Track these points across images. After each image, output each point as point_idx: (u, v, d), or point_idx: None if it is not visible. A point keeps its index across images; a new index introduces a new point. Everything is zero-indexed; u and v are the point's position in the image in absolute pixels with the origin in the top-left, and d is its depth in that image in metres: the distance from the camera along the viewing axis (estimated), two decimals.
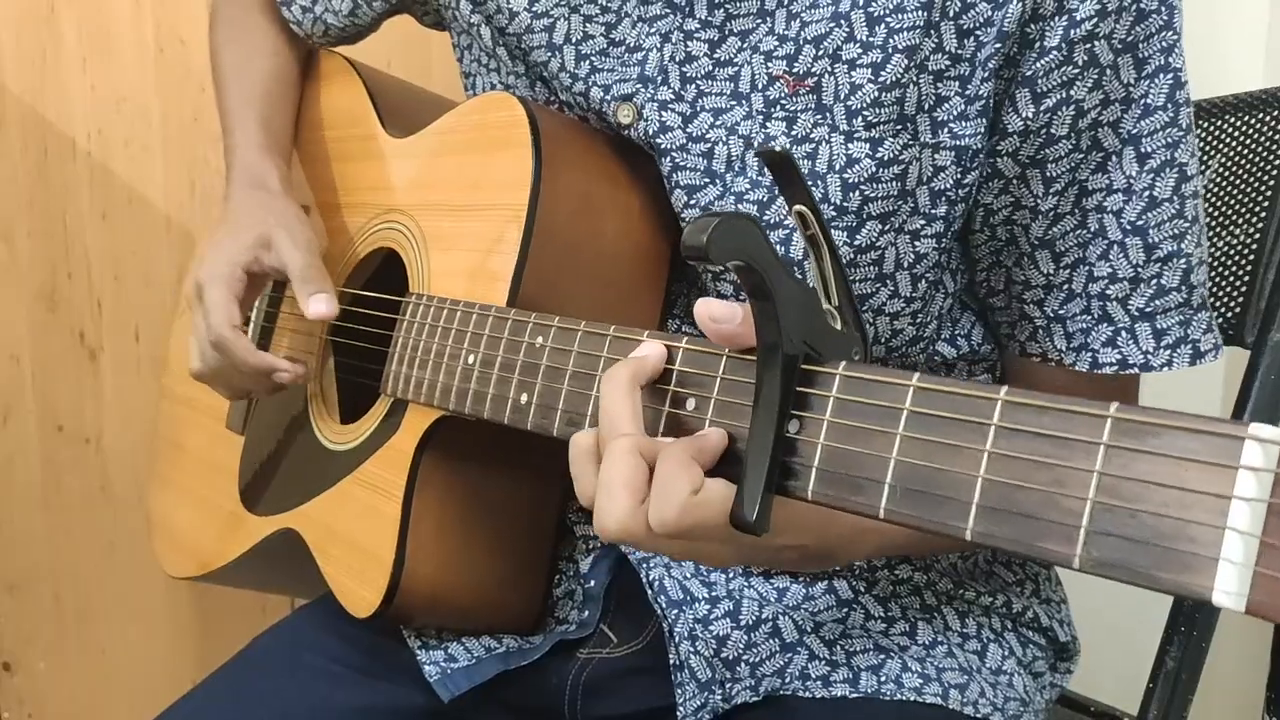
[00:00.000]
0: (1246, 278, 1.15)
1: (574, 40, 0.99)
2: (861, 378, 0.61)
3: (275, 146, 1.19)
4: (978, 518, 0.54)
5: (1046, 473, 0.51)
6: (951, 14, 0.86)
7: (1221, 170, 1.20)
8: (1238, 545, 0.45)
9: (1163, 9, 0.86)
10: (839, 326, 0.65)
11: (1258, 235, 1.16)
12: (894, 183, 0.88)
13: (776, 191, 0.85)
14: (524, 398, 0.82)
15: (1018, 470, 0.53)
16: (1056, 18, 0.84)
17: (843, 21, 0.88)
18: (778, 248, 0.90)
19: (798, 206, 0.64)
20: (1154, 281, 0.91)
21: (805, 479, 0.62)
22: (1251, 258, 1.15)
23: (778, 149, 0.63)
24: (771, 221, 0.90)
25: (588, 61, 0.99)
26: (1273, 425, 0.44)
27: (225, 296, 1.07)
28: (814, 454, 0.62)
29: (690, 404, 0.69)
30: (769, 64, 0.90)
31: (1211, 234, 1.18)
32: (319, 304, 1.05)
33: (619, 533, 0.68)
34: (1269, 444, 0.45)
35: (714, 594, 0.95)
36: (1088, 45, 0.85)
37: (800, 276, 0.88)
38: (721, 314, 0.67)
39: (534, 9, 1.01)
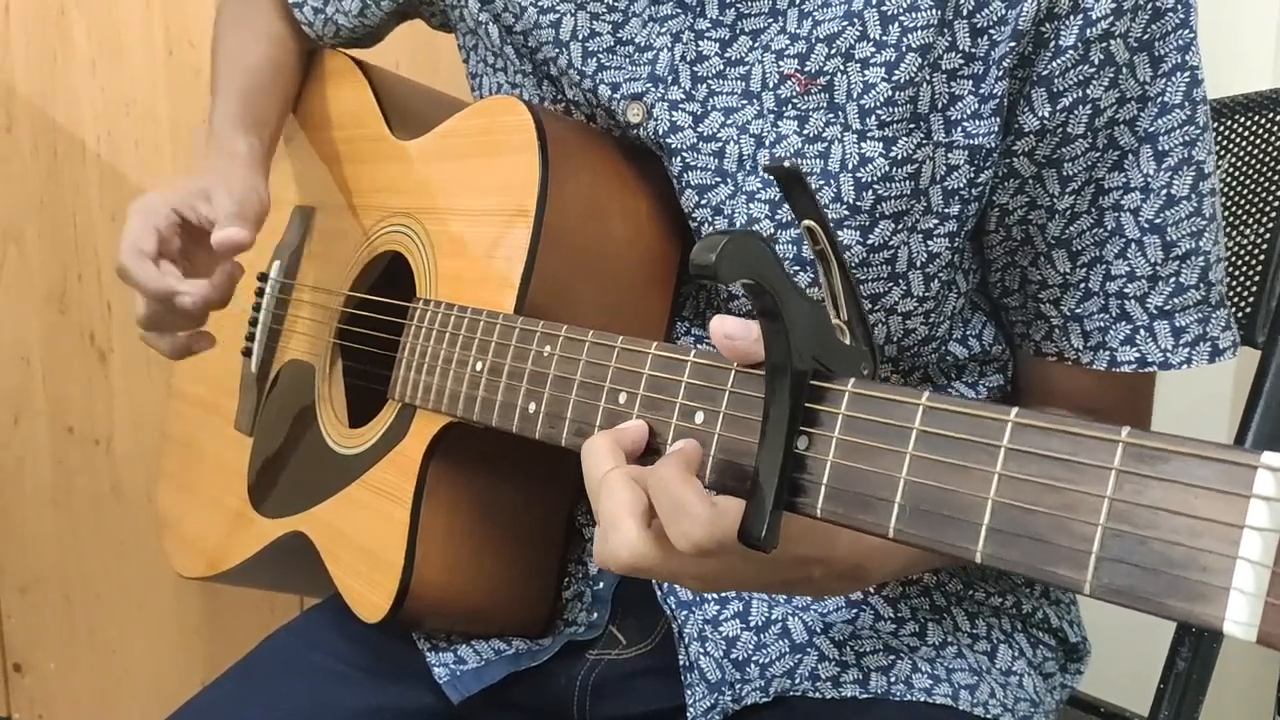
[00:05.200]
0: (1257, 278, 1.15)
1: (580, 37, 0.99)
2: (871, 395, 0.60)
3: (252, 123, 1.18)
4: (987, 540, 0.53)
5: (1057, 496, 0.51)
6: (965, 12, 0.85)
7: (1232, 170, 1.20)
8: (1249, 575, 0.45)
9: (1179, 7, 0.85)
10: (848, 341, 0.64)
11: (1268, 235, 1.15)
12: (907, 182, 0.88)
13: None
14: (532, 406, 0.82)
15: (1028, 493, 0.52)
16: (1072, 16, 0.84)
17: (856, 20, 0.87)
18: (791, 248, 0.90)
19: (807, 221, 0.64)
20: (1172, 279, 0.91)
21: (814, 496, 0.62)
22: (1262, 258, 1.15)
23: (787, 164, 0.63)
24: (783, 221, 0.90)
25: (595, 59, 0.98)
26: None
27: (142, 225, 1.04)
28: (823, 471, 0.61)
29: (698, 417, 0.69)
30: (780, 63, 0.90)
31: (1223, 234, 1.18)
32: (228, 231, 1.02)
33: (633, 560, 0.67)
34: None
35: (723, 595, 0.95)
36: (1103, 44, 0.84)
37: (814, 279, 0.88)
38: (736, 331, 0.66)
39: (540, 4, 1.01)
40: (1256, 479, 0.45)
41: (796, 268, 0.90)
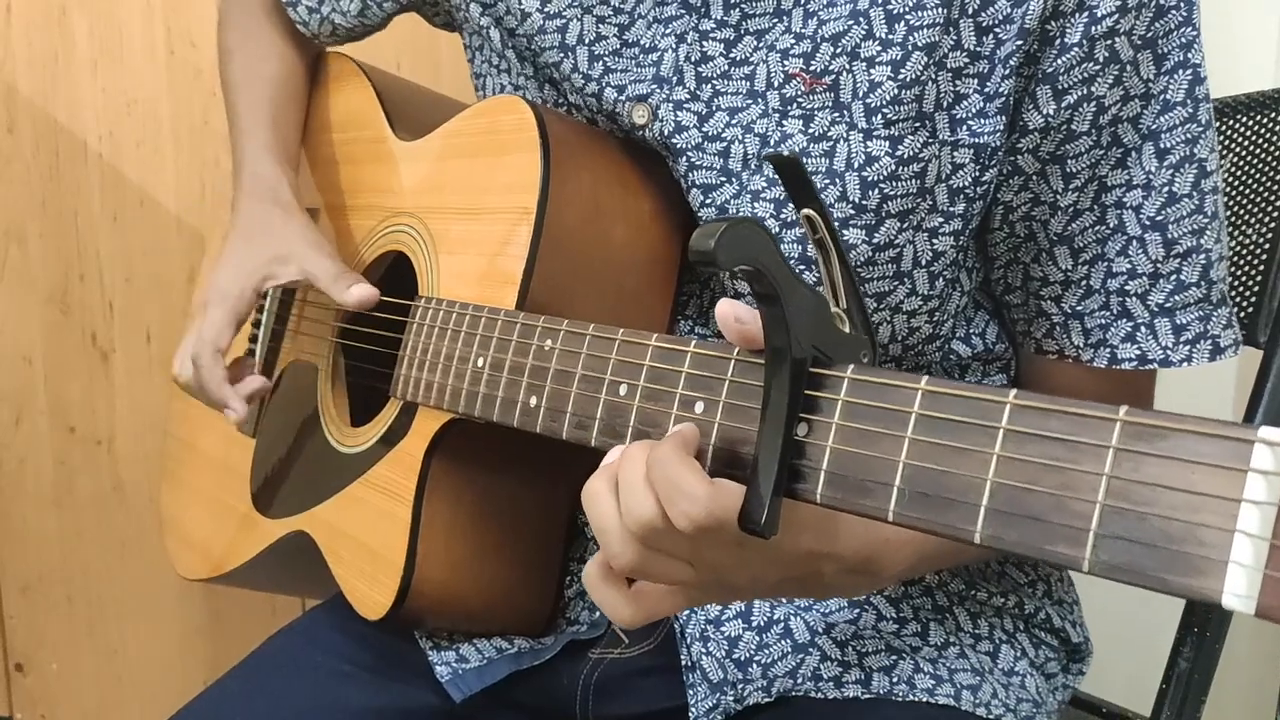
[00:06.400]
0: (1259, 277, 1.15)
1: (587, 41, 0.99)
2: (870, 381, 0.60)
3: (284, 153, 1.19)
4: (986, 521, 0.53)
5: (1055, 476, 0.51)
6: (971, 11, 0.86)
7: (1234, 170, 1.20)
8: (1247, 548, 0.45)
9: (1182, 5, 0.86)
10: (847, 329, 0.64)
11: (1270, 235, 1.15)
12: (913, 180, 0.88)
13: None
14: (533, 401, 0.82)
15: (1027, 473, 0.52)
16: (1077, 14, 0.84)
17: (861, 19, 0.88)
18: (796, 247, 0.90)
19: (806, 210, 0.64)
20: (1173, 277, 0.91)
21: (814, 482, 0.62)
22: (1264, 257, 1.15)
23: (786, 153, 0.63)
24: (789, 220, 0.90)
25: (601, 62, 0.99)
26: None
27: (225, 319, 1.09)
28: (823, 457, 0.61)
29: (698, 407, 0.69)
30: (785, 62, 0.90)
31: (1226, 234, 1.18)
32: (359, 291, 1.06)
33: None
34: (1279, 447, 0.45)
35: None
36: (1108, 42, 0.84)
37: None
38: (746, 315, 0.66)
39: (546, 9, 1.01)
40: (1254, 453, 0.45)
41: (801, 266, 0.90)
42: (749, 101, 0.92)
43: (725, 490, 0.64)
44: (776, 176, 0.90)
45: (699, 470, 0.65)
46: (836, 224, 0.89)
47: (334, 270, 1.08)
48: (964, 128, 0.88)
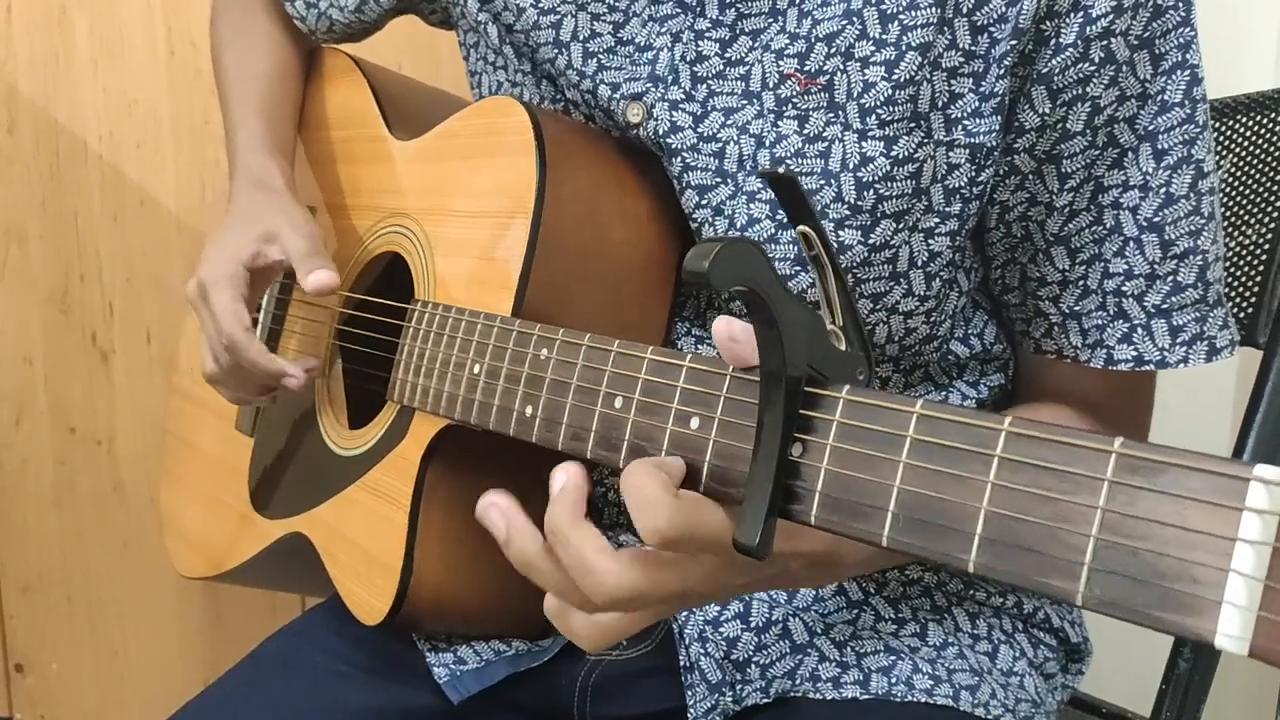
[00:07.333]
0: (1259, 278, 1.15)
1: (581, 38, 0.99)
2: (865, 403, 0.60)
3: (278, 146, 1.18)
4: (980, 549, 0.53)
5: (1049, 507, 0.50)
6: (965, 10, 0.85)
7: (1234, 170, 1.20)
8: (1241, 588, 0.44)
9: (1179, 5, 0.85)
10: (843, 347, 0.64)
11: (1270, 235, 1.15)
12: (908, 181, 0.88)
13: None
14: (529, 410, 0.82)
15: (1021, 503, 0.52)
16: (1072, 14, 0.84)
17: (855, 19, 0.87)
18: (792, 248, 0.90)
19: (802, 227, 0.63)
20: (1170, 278, 0.91)
21: (808, 503, 0.61)
22: (1264, 258, 1.15)
23: (781, 170, 0.63)
24: (784, 221, 0.90)
25: (595, 59, 0.98)
26: (1276, 466, 0.43)
27: (232, 297, 1.06)
28: (817, 478, 0.61)
29: (694, 423, 0.69)
30: (780, 62, 0.90)
31: (1224, 234, 1.17)
32: (319, 276, 1.04)
33: (630, 590, 0.66)
34: (1274, 486, 0.44)
35: None
36: (1104, 42, 0.84)
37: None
38: (742, 334, 0.66)
39: (540, 5, 1.01)
40: (1249, 491, 0.45)
41: (798, 268, 0.90)
42: (744, 102, 0.92)
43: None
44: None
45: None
46: (832, 225, 0.89)
47: (305, 250, 1.06)
48: (959, 127, 0.88)
